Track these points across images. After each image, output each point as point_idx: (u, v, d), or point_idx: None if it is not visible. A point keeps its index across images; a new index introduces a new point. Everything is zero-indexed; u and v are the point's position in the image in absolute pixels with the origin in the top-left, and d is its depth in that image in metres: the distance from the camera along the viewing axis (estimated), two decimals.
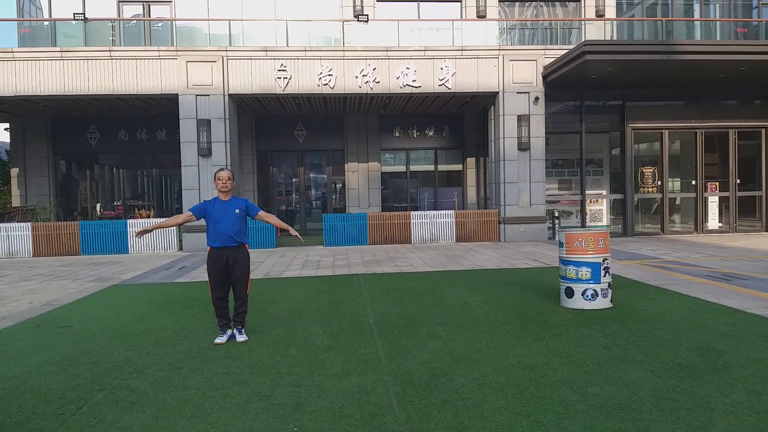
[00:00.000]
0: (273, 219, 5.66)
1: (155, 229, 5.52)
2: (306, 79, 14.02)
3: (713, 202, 15.53)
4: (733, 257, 10.62)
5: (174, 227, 14.20)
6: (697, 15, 19.32)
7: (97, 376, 4.49)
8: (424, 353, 4.86)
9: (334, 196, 18.38)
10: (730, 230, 15.28)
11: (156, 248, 14.16)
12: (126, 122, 17.25)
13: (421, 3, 17.81)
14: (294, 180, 18.41)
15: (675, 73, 13.56)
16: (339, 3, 17.31)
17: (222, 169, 5.48)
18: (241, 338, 5.43)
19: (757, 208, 15.64)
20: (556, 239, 13.86)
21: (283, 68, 13.92)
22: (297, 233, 5.58)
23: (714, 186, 15.50)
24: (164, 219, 5.51)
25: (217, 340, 5.38)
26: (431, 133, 18.06)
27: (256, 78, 13.96)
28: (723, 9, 19.26)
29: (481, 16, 17.27)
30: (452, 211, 14.97)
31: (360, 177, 17.49)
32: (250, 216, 5.51)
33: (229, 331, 5.51)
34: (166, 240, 14.17)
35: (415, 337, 5.38)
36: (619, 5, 18.35)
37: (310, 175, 18.84)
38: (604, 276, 6.47)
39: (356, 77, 14.06)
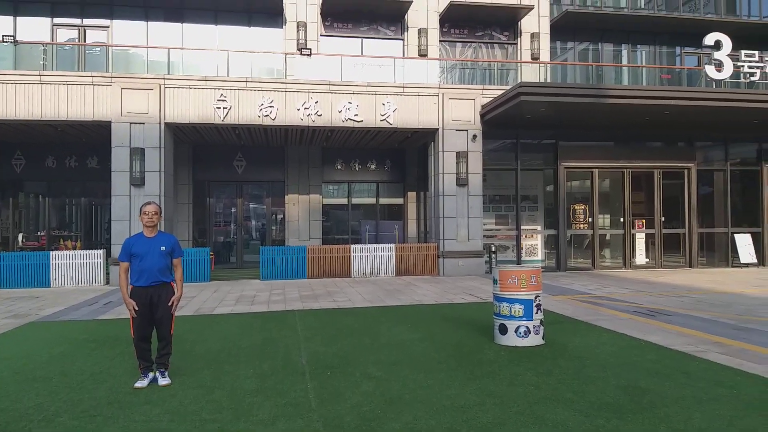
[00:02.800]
0: (179, 274, 5.34)
1: (126, 299, 5.14)
2: (246, 109, 13.86)
3: (640, 239, 16.24)
4: (659, 293, 11.06)
5: (102, 261, 13.56)
6: (625, 61, 20.52)
7: (2, 425, 4.13)
8: (357, 395, 4.74)
9: (273, 228, 18.09)
10: (656, 266, 15.98)
11: (80, 282, 13.43)
12: (55, 149, 16.49)
13: (364, 39, 18.10)
14: (232, 211, 18.02)
15: (605, 115, 14.25)
16: (282, 36, 17.36)
17: (149, 203, 5.26)
18: (163, 381, 5.14)
19: (682, 244, 16.45)
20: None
21: (223, 98, 13.73)
22: (178, 299, 5.22)
23: (641, 223, 16.23)
24: (123, 289, 5.21)
25: (138, 384, 5.08)
26: (373, 167, 18.17)
27: (195, 107, 13.69)
28: (649, 56, 20.55)
29: (422, 54, 17.70)
30: (393, 245, 15.00)
31: (301, 209, 17.32)
32: (172, 257, 5.25)
33: (151, 374, 5.21)
34: (91, 273, 13.48)
35: (348, 378, 5.25)
36: (553, 49, 19.24)
37: (250, 206, 18.52)
38: (536, 313, 6.57)
39: (298, 110, 14.03)
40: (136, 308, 5.07)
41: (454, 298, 10.65)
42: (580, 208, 15.99)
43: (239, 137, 16.02)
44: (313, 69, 15.65)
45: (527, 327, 6.51)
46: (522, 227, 15.75)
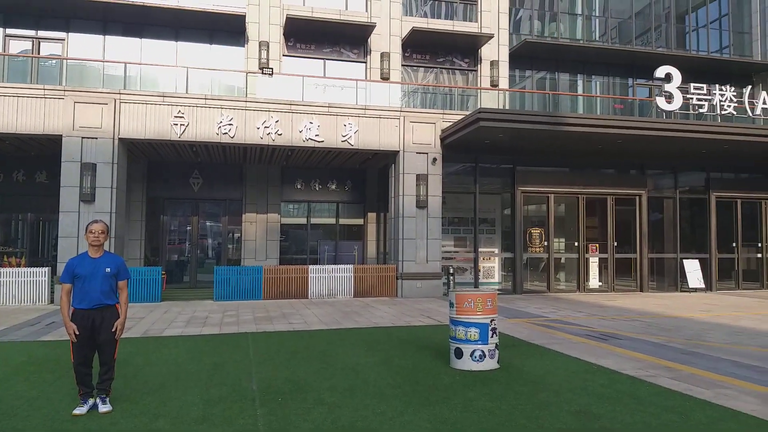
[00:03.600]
0: (124, 297, 5.11)
1: (66, 322, 4.89)
2: (205, 127, 13.65)
3: (594, 263, 16.59)
4: (611, 316, 11.27)
5: (45, 279, 13.01)
6: (580, 90, 21.16)
7: None
8: (308, 423, 4.61)
9: (230, 247, 17.75)
10: (609, 289, 16.32)
11: (23, 300, 12.83)
12: (2, 162, 15.85)
13: (327, 61, 18.17)
14: (187, 229, 17.62)
15: (561, 142, 14.60)
16: (244, 54, 17.26)
17: (95, 221, 5.06)
18: (104, 408, 4.90)
19: (633, 269, 16.87)
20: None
21: (180, 115, 13.49)
22: (122, 324, 5.02)
23: (595, 247, 16.59)
24: (63, 312, 4.96)
25: (77, 411, 4.82)
26: (334, 187, 18.10)
27: (151, 123, 13.40)
28: (603, 86, 21.25)
29: (384, 78, 17.86)
30: (351, 266, 14.89)
31: (258, 228, 17.07)
32: (118, 279, 5.03)
33: (92, 401, 4.96)
34: (35, 291, 12.90)
35: (300, 405, 5.11)
36: (512, 77, 19.71)
37: (206, 224, 18.16)
38: (492, 337, 6.58)
39: (258, 128, 13.89)
40: (77, 332, 4.83)
41: (412, 320, 10.60)
42: (536, 231, 16.25)
43: (196, 154, 15.75)
44: (274, 89, 15.59)
45: (482, 351, 6.51)
46: (480, 250, 15.89)
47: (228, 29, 17.30)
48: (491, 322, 6.59)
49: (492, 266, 16.34)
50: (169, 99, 13.55)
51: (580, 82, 21.14)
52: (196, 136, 13.60)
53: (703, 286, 16.66)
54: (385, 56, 17.99)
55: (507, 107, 17.87)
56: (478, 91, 18.30)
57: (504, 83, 18.92)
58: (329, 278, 14.46)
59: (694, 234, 17.68)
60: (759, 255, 17.74)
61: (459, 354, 6.59)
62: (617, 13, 21.33)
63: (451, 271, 15.03)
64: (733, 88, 15.56)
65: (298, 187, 17.77)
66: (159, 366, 6.66)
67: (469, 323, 6.55)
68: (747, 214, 17.67)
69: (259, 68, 16.33)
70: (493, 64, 18.82)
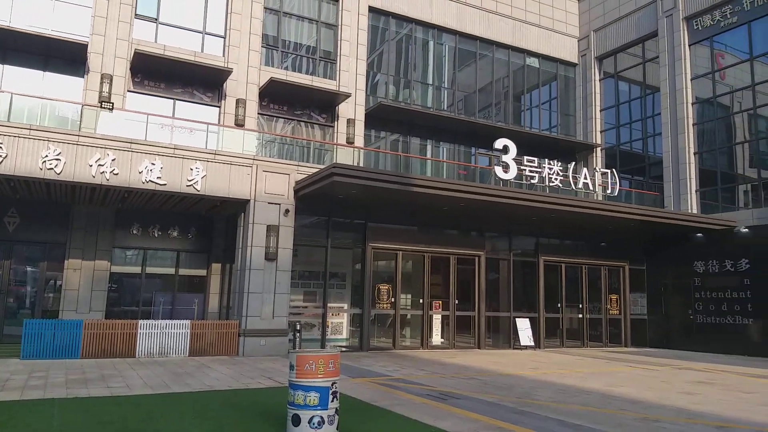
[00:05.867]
0: None
1: None
2: (27, 160, 12.10)
3: (437, 319, 17.11)
4: (451, 374, 11.52)
5: None
6: (429, 154, 22.33)
7: None
8: None
9: (49, 296, 15.67)
10: (450, 346, 16.85)
11: None
12: None
13: (178, 101, 17.32)
14: None
15: (410, 201, 15.11)
16: (83, 85, 15.85)
17: None
18: None
19: (472, 326, 17.65)
20: None
21: None
22: None
23: (438, 305, 17.15)
24: None
25: None
26: (175, 234, 16.93)
27: None
28: (449, 152, 22.64)
29: (239, 124, 17.38)
30: (188, 321, 13.79)
31: (83, 276, 15.28)
32: None
33: None
34: None
35: None
36: (367, 136, 20.26)
37: (23, 269, 15.94)
38: (332, 401, 6.27)
39: (91, 165, 12.61)
40: None
41: (251, 382, 9.93)
42: (384, 287, 16.43)
43: (14, 190, 13.88)
44: (115, 125, 14.40)
45: (321, 417, 6.15)
46: (329, 305, 15.65)
47: (67, 57, 15.84)
48: (332, 385, 6.29)
49: (341, 322, 16.14)
50: None
51: (429, 147, 22.34)
52: (15, 170, 12.01)
53: (532, 344, 17.86)
54: (240, 103, 17.58)
55: (361, 164, 18.22)
56: (334, 146, 18.51)
57: (359, 141, 19.37)
58: (162, 334, 13.22)
59: (526, 294, 19.05)
60: (580, 315, 19.53)
61: (297, 421, 6.17)
62: (464, 87, 23.11)
63: (298, 327, 14.50)
64: (560, 163, 17.35)
65: (134, 232, 16.34)
66: None
67: (309, 387, 6.18)
68: (570, 277, 19.48)
69: (99, 102, 15.05)
70: (350, 122, 19.24)
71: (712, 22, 20.13)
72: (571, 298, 19.43)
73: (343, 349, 15.40)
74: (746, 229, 17.52)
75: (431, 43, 22.40)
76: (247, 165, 14.56)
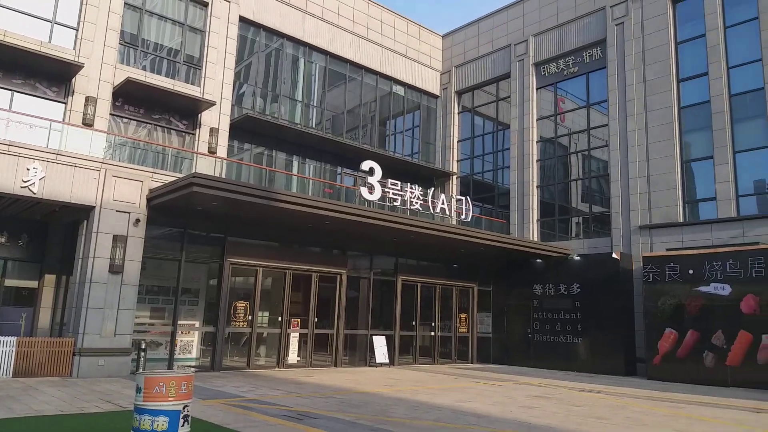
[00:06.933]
0: None
1: None
2: None
3: (295, 338, 16.83)
4: (307, 393, 11.38)
5: None
6: (295, 170, 22.16)
7: None
8: None
9: None
10: (306, 365, 16.66)
11: None
12: None
13: (17, 93, 15.51)
14: None
15: (274, 217, 14.83)
16: None
17: None
18: None
19: (330, 344, 17.64)
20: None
21: None
22: None
23: (296, 322, 16.91)
24: None
25: None
26: (3, 240, 15.01)
27: None
28: (316, 170, 22.66)
29: (88, 124, 15.93)
30: (13, 338, 12.23)
31: None
32: None
33: None
34: None
35: None
36: (231, 147, 19.62)
37: None
38: (183, 426, 5.89)
39: None
40: None
41: (87, 406, 9.00)
42: (241, 305, 15.86)
43: None
44: None
45: None
46: (179, 322, 14.76)
47: None
48: (184, 408, 5.92)
49: (191, 341, 15.27)
50: None
51: (296, 163, 22.18)
52: None
53: (387, 361, 18.26)
54: (91, 101, 16.15)
55: (224, 176, 17.56)
56: (195, 155, 17.66)
57: (222, 152, 18.68)
58: None
59: (383, 312, 19.48)
60: (432, 333, 20.37)
61: None
62: (332, 107, 23.37)
63: (143, 346, 13.46)
64: (420, 188, 18.12)
65: None
66: None
67: (157, 411, 5.75)
68: (425, 296, 20.29)
69: None
70: (213, 131, 18.51)
71: (556, 70, 22.46)
72: (425, 316, 20.23)
73: (193, 369, 14.58)
74: (578, 257, 19.53)
75: (302, 60, 22.41)
76: (95, 168, 13.41)
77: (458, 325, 21.03)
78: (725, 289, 15.58)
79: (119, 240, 13.36)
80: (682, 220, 18.11)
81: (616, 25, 20.58)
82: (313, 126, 22.55)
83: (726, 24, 18.23)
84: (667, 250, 17.77)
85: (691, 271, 16.26)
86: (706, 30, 18.44)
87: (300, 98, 22.42)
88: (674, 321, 16.40)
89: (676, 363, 16.16)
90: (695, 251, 16.66)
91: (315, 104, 22.85)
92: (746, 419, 10.13)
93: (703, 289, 15.98)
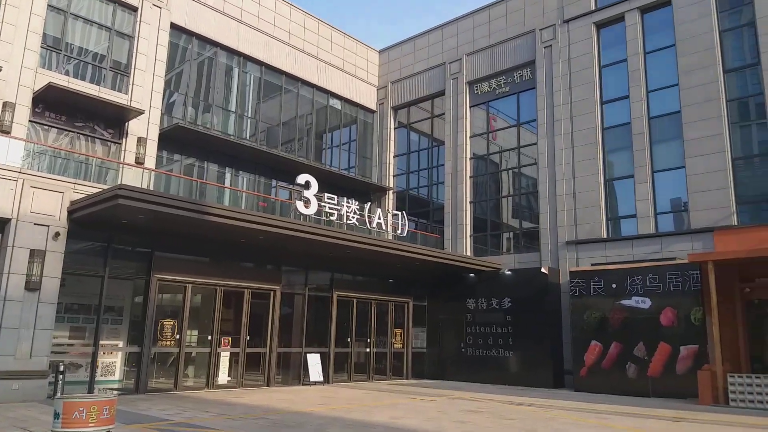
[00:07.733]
0: None
1: None
2: None
3: (225, 357, 16.27)
4: (238, 415, 11.01)
5: None
6: (228, 183, 21.62)
7: None
8: None
9: None
10: (237, 385, 16.14)
11: None
12: None
13: None
14: None
15: (204, 231, 14.36)
16: None
17: None
18: None
19: (263, 363, 17.19)
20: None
21: None
22: None
23: (227, 341, 16.37)
24: None
25: None
26: None
27: None
28: (249, 183, 22.18)
29: (5, 131, 14.92)
30: None
31: None
32: None
33: None
34: None
35: None
36: (160, 158, 18.90)
37: None
38: None
39: None
40: None
41: None
42: (168, 323, 15.19)
43: None
44: None
45: None
46: (101, 342, 13.97)
47: None
48: None
49: (113, 361, 14.49)
50: None
51: (228, 175, 21.64)
52: None
53: (321, 379, 17.98)
54: (8, 106, 15.16)
55: (152, 188, 16.87)
56: (121, 166, 16.89)
57: (150, 162, 17.96)
58: None
59: (318, 329, 19.21)
60: (367, 349, 20.26)
61: None
62: (267, 118, 23.01)
63: (62, 368, 12.62)
64: (356, 203, 18.09)
65: None
66: None
67: None
68: (361, 312, 20.18)
69: None
70: (141, 140, 17.77)
71: (489, 89, 23.14)
72: (360, 332, 20.10)
73: (116, 392, 13.81)
74: (509, 272, 20.04)
75: (236, 70, 22.00)
76: (11, 179, 12.59)
77: (393, 340, 21.04)
78: (646, 303, 16.40)
79: (37, 255, 12.54)
80: (605, 236, 18.96)
81: (544, 47, 21.46)
82: (247, 137, 22.12)
83: (646, 50, 19.38)
84: (592, 265, 18.53)
85: (614, 285, 17.01)
86: (628, 55, 19.52)
87: (234, 109, 21.96)
88: (599, 334, 17.08)
89: (601, 374, 16.80)
90: (618, 266, 17.46)
91: (249, 115, 22.44)
92: (667, 428, 10.63)
93: (625, 302, 16.75)
